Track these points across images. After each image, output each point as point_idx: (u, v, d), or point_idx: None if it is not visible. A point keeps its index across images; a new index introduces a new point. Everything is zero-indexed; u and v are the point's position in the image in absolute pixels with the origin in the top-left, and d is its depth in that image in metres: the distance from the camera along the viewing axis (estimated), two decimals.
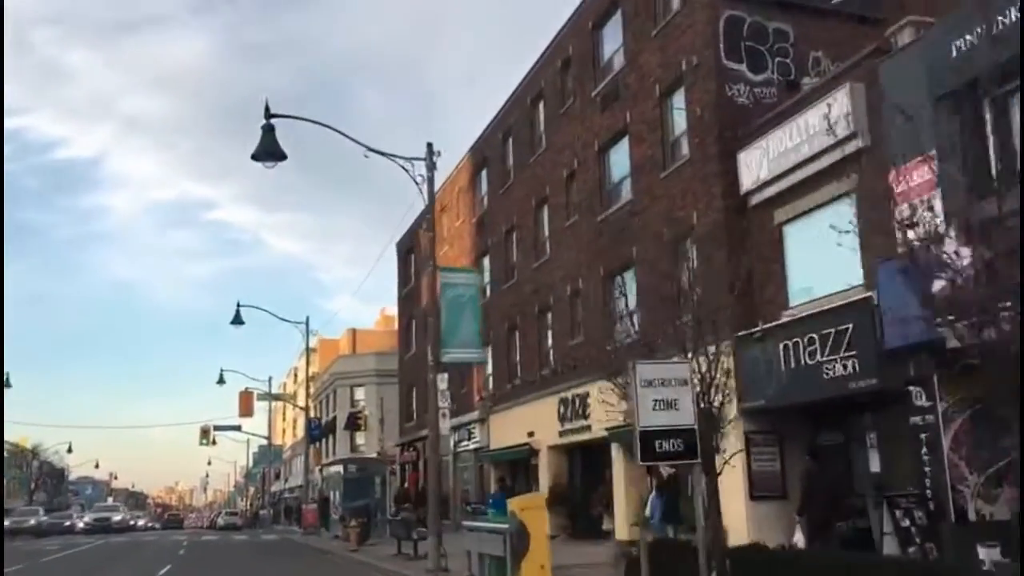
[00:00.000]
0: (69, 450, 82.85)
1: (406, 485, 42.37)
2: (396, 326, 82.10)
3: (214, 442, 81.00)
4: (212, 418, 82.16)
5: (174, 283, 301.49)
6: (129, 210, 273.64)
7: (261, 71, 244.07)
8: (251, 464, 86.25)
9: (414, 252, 43.30)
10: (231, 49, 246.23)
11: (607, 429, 22.28)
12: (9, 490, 70.49)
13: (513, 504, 15.60)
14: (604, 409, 15.42)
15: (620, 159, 23.45)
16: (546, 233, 27.89)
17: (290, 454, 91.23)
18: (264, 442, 71.56)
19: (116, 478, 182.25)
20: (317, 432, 44.36)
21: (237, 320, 39.86)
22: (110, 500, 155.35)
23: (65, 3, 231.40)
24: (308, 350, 41.84)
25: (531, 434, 27.57)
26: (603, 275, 23.66)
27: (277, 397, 43.56)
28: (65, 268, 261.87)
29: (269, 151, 16.56)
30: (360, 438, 65.58)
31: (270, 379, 61.72)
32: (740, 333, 17.74)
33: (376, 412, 55.88)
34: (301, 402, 51.37)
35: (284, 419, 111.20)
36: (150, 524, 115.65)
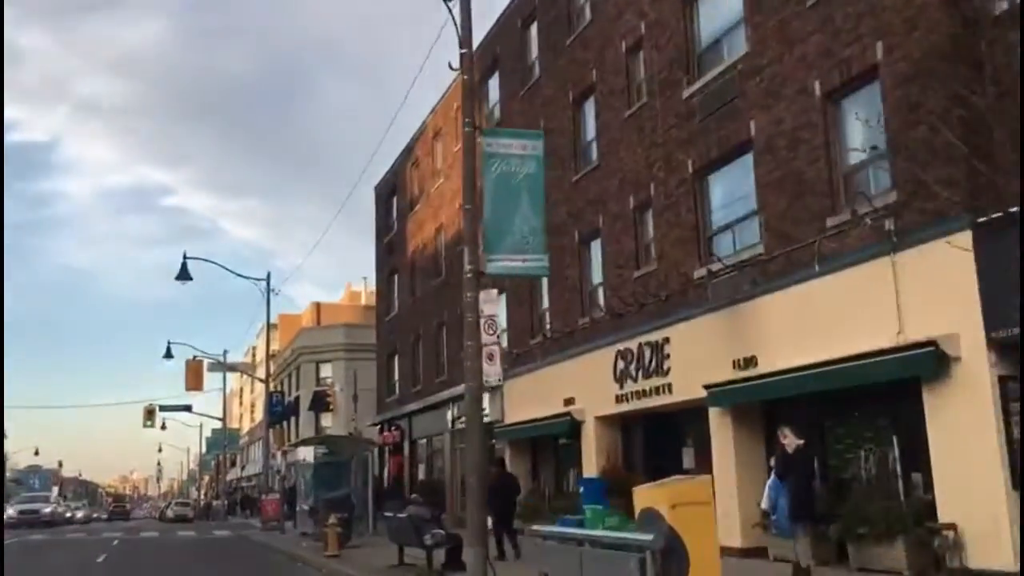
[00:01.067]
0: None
1: (386, 471, 35.13)
2: (363, 302, 75.06)
3: (163, 426, 72.73)
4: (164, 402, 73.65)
5: (131, 270, 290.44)
6: (84, 195, 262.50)
7: (219, 55, 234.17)
8: (204, 450, 77.91)
9: (397, 193, 35.90)
10: (190, 33, 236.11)
11: (707, 387, 15.30)
12: None
13: (649, 496, 8.59)
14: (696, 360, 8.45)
15: (720, 4, 16.37)
16: (591, 134, 20.70)
17: (247, 440, 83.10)
18: (219, 425, 63.47)
19: (61, 465, 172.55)
20: (279, 409, 36.90)
21: (184, 275, 32.10)
22: (55, 490, 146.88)
23: None
24: (269, 309, 34.29)
25: (570, 401, 20.46)
26: (692, 172, 16.58)
27: (232, 368, 35.87)
28: (17, 254, 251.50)
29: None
30: (327, 420, 57.88)
31: (225, 352, 54.01)
32: (981, 219, 10.91)
33: (348, 389, 48.48)
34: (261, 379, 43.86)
35: (241, 403, 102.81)
36: (95, 516, 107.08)
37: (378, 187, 38.36)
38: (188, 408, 53.12)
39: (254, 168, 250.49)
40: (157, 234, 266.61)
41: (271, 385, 55.39)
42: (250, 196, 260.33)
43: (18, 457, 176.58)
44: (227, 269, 35.30)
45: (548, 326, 22.16)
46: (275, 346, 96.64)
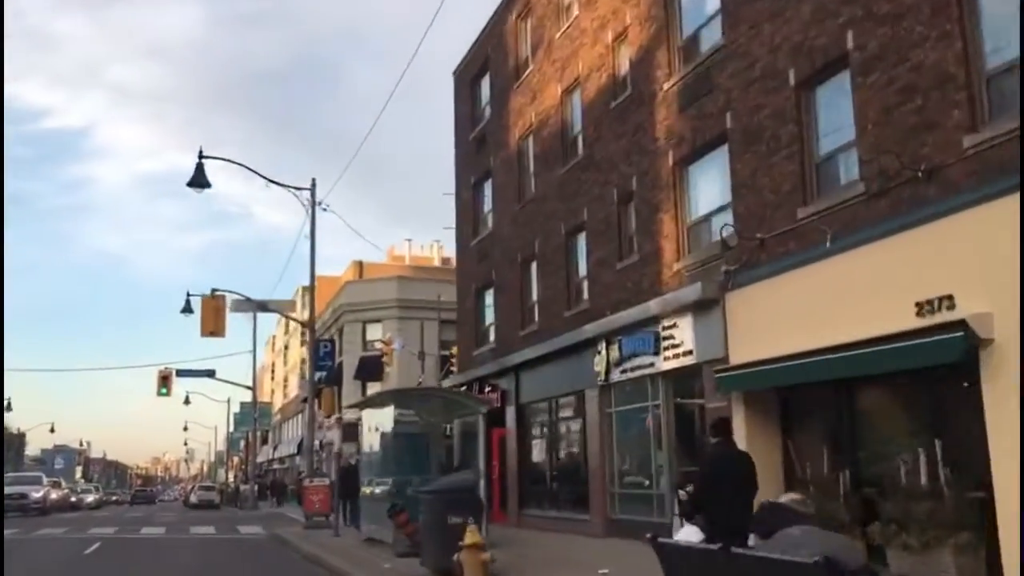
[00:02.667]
0: (8, 408, 64.59)
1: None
2: (407, 263, 65.08)
3: (187, 400, 63.45)
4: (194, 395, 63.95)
5: (163, 254, 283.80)
6: (118, 180, 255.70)
7: (250, 41, 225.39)
8: (232, 427, 68.16)
9: (490, 70, 25.54)
10: (221, 19, 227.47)
11: None
12: None
13: None
14: None
15: None
16: None
17: (280, 418, 73.36)
18: (248, 397, 53.57)
19: (89, 446, 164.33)
20: (329, 365, 26.42)
21: (197, 181, 22.11)
22: (78, 470, 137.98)
23: None
24: (314, 223, 24.35)
25: (944, 304, 9.98)
26: None
27: (263, 307, 25.63)
28: (53, 238, 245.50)
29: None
30: (373, 391, 47.86)
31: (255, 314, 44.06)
32: None
33: (412, 346, 38.39)
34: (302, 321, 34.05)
35: (273, 377, 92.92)
36: (114, 499, 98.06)
37: (459, 72, 28.03)
38: (210, 373, 43.33)
39: (284, 153, 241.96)
40: (189, 219, 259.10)
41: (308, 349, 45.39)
42: (279, 179, 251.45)
43: (39, 436, 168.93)
44: (262, 176, 25.32)
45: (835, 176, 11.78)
46: (307, 313, 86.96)
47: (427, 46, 24.97)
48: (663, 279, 15.86)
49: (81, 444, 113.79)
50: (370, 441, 19.62)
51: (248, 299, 26.03)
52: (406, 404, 17.08)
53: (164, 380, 42.23)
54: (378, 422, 18.49)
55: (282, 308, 26.04)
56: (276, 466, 70.77)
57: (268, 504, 49.15)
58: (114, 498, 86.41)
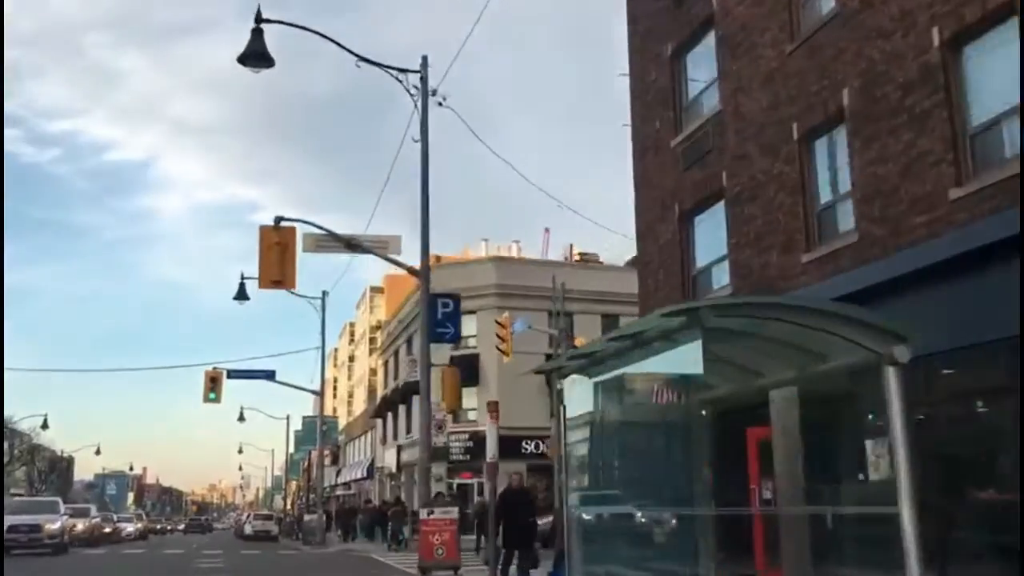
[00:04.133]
0: (44, 426, 56.68)
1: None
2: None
3: (241, 417, 54.59)
4: (248, 435, 55.11)
5: (220, 283, 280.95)
6: (177, 212, 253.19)
7: (305, 74, 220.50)
8: (292, 448, 59.11)
9: None
10: (279, 50, 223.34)
11: None
12: None
13: None
14: None
15: None
16: None
17: (343, 439, 64.28)
18: (311, 410, 44.42)
19: (143, 471, 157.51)
20: (449, 328, 16.75)
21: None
22: (129, 496, 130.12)
23: (117, 7, 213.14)
24: (426, 103, 15.31)
25: None
26: None
27: (353, 245, 16.19)
28: (114, 269, 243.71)
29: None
30: (472, 398, 38.43)
31: (324, 295, 35.27)
32: None
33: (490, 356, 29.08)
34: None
35: (335, 394, 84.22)
36: (167, 528, 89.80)
37: None
38: (270, 375, 34.37)
39: (337, 184, 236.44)
40: (246, 248, 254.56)
41: (378, 364, 36.12)
42: (334, 211, 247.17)
43: (89, 462, 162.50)
44: (354, 54, 16.27)
45: None
46: (378, 316, 77.46)
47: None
48: None
49: (131, 468, 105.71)
50: (589, 438, 10.09)
51: (330, 233, 16.80)
52: (722, 338, 7.47)
53: (213, 382, 33.35)
54: (618, 397, 8.98)
55: (379, 246, 16.68)
56: (340, 492, 61.71)
57: (337, 537, 39.78)
58: (158, 527, 78.02)
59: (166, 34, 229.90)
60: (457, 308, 17.21)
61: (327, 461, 47.55)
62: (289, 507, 66.80)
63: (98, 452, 75.88)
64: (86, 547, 34.80)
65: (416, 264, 17.35)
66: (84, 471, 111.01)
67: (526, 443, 36.16)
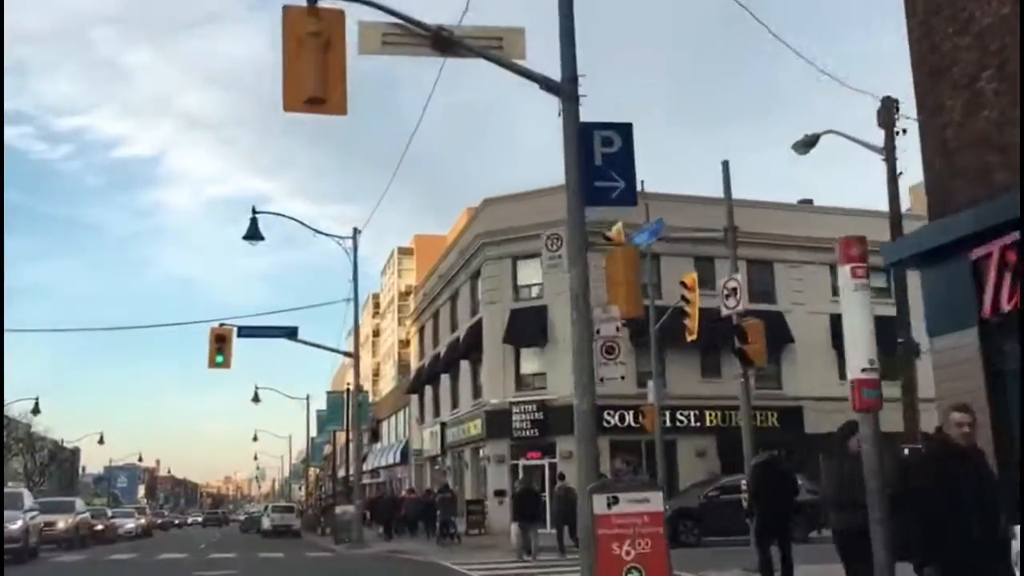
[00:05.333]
0: (35, 410, 49.40)
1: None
2: None
3: (256, 397, 47.51)
4: (262, 421, 47.56)
5: (231, 277, 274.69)
6: (188, 206, 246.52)
7: None
8: (315, 431, 51.67)
9: None
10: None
11: None
12: None
13: None
14: None
15: None
16: None
17: (372, 419, 56.75)
18: (339, 384, 36.88)
19: (156, 463, 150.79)
20: (622, 177, 9.46)
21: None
22: (140, 489, 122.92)
23: (124, 2, 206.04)
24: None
25: None
26: None
27: (442, 40, 9.02)
28: (125, 264, 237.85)
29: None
30: (537, 361, 30.91)
31: (356, 233, 27.83)
32: None
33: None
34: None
35: (358, 375, 77.05)
36: (176, 521, 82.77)
37: None
38: (291, 332, 27.00)
39: (347, 176, 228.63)
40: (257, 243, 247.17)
41: (412, 325, 29.18)
42: (344, 203, 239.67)
43: (96, 453, 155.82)
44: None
45: None
46: (407, 281, 69.65)
47: None
48: None
49: (140, 459, 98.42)
50: None
51: (407, 20, 9.37)
52: None
53: (220, 342, 25.91)
54: None
55: (490, 44, 8.98)
56: (367, 480, 54.37)
57: (375, 534, 32.46)
58: (164, 521, 70.80)
59: (175, 28, 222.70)
60: (628, 147, 9.79)
61: (366, 438, 39.98)
62: (312, 497, 59.43)
63: (101, 441, 68.58)
64: (68, 550, 27.64)
65: (555, 75, 9.82)
66: (94, 463, 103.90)
67: (609, 415, 28.79)
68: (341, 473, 54.99)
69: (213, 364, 25.96)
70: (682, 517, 21.10)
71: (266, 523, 44.01)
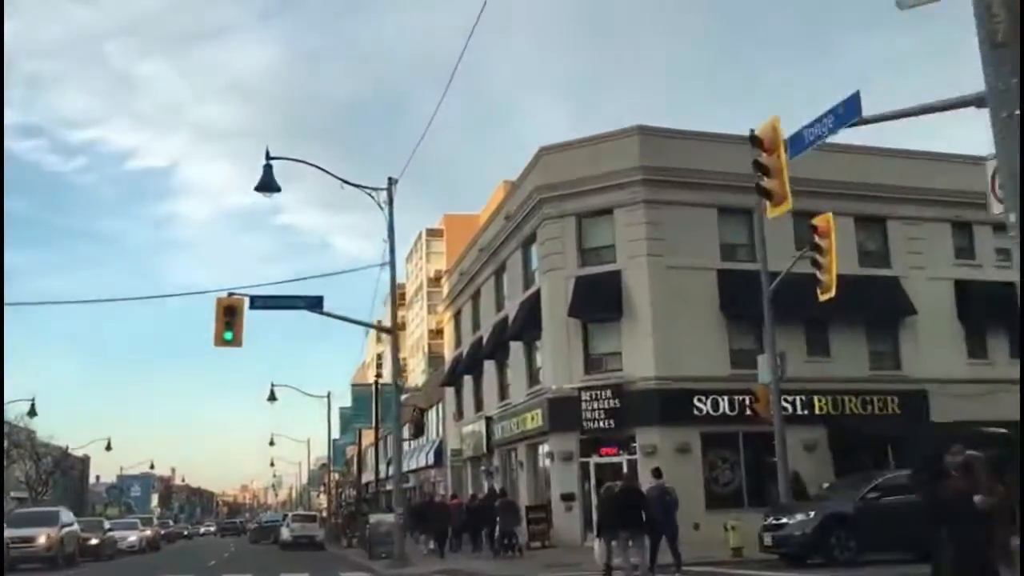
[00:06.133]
0: (32, 412, 44.56)
1: None
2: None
3: (272, 396, 42.68)
4: (281, 424, 42.53)
5: (246, 286, 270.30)
6: (201, 216, 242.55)
7: (325, 77, 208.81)
8: (338, 431, 46.57)
9: None
10: (297, 57, 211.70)
11: None
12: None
13: None
14: None
15: None
16: None
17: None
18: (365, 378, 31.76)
19: (172, 472, 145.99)
20: None
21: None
22: (154, 498, 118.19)
23: (137, 15, 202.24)
24: None
25: None
26: None
27: None
28: (141, 274, 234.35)
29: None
30: (612, 338, 25.77)
31: (391, 183, 22.75)
32: None
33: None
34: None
35: (379, 373, 71.71)
36: (186, 532, 77.88)
37: None
38: (315, 302, 21.95)
39: (360, 183, 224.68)
40: (270, 252, 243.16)
41: (440, 316, 24.69)
42: (356, 211, 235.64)
43: (105, 462, 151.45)
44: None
45: None
46: (436, 265, 64.56)
47: None
48: None
49: (152, 467, 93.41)
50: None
51: None
52: None
53: (229, 314, 20.88)
54: None
55: None
56: (391, 486, 49.14)
57: (422, 547, 27.30)
58: (186, 533, 65.99)
59: (187, 40, 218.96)
60: None
61: (406, 432, 34.66)
62: (335, 503, 54.23)
63: (108, 447, 63.57)
64: (49, 570, 22.74)
65: None
66: (107, 472, 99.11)
67: (699, 400, 23.63)
68: (365, 478, 50.08)
69: (220, 341, 20.89)
70: (835, 526, 15.88)
71: (286, 534, 39.01)
